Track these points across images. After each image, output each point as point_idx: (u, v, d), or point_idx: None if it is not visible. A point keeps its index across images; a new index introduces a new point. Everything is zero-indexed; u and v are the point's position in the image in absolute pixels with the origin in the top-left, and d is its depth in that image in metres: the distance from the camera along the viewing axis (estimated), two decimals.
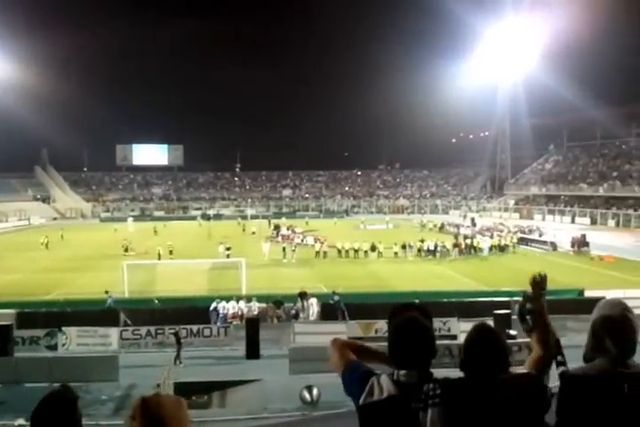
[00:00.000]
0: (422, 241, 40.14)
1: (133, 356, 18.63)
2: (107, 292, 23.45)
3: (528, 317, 2.51)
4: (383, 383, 2.31)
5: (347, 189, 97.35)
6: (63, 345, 19.42)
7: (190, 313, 21.43)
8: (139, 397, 1.93)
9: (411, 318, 2.40)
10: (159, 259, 35.93)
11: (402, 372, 2.31)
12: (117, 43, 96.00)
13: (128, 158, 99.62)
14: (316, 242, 41.39)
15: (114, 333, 19.74)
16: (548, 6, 67.25)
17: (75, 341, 19.52)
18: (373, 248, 39.34)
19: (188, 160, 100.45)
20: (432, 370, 2.33)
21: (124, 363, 16.60)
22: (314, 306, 22.06)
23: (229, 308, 21.82)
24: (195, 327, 19.94)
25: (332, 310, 21.99)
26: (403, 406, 2.23)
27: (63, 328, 19.56)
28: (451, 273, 33.10)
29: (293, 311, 21.98)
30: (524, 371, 2.38)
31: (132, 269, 27.23)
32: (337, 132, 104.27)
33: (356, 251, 39.21)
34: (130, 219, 65.63)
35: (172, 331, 18.70)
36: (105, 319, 20.56)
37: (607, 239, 45.87)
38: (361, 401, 2.31)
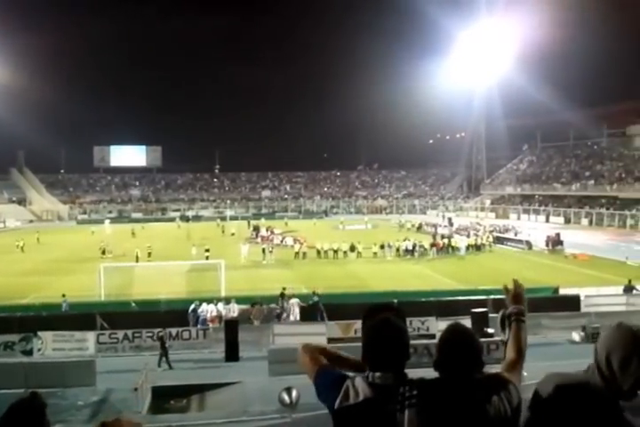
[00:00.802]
0: (407, 240, 40.60)
1: (111, 360, 18.44)
2: (63, 295, 23.26)
3: (507, 330, 2.54)
4: (358, 386, 2.29)
5: (326, 189, 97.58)
6: (39, 350, 19.07)
7: (169, 316, 21.21)
8: (99, 422, 1.91)
9: (385, 320, 2.38)
10: (137, 261, 35.66)
11: (377, 374, 2.30)
12: (94, 44, 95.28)
13: (106, 160, 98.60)
14: (295, 243, 41.42)
15: (90, 337, 19.39)
16: (522, 10, 68.14)
17: (50, 345, 19.18)
18: (352, 248, 39.47)
19: (167, 161, 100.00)
20: (412, 370, 2.32)
21: (102, 367, 16.43)
22: (294, 306, 22.03)
23: (209, 310, 21.68)
24: (173, 330, 19.73)
25: (311, 310, 21.98)
26: (379, 408, 2.21)
27: (39, 333, 19.21)
28: (429, 272, 33.35)
29: (278, 311, 21.97)
30: (498, 371, 2.39)
31: (109, 271, 26.96)
32: (316, 133, 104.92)
33: (336, 251, 39.31)
34: (107, 221, 64.98)
35: (160, 334, 18.49)
36: (82, 323, 20.21)
37: (581, 238, 46.77)
38: (336, 405, 2.29)
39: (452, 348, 2.32)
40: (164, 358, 17.86)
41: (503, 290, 2.72)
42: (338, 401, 2.29)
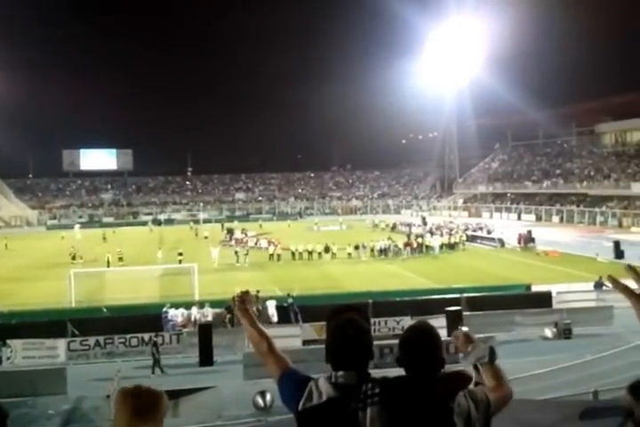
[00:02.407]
0: (390, 239, 40.85)
1: (82, 367, 18.28)
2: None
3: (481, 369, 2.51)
4: (322, 387, 2.30)
5: (300, 191, 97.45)
6: (8, 359, 18.78)
7: (141, 321, 20.94)
8: (119, 389, 2.01)
9: (348, 319, 2.40)
10: (108, 266, 35.19)
11: (340, 373, 2.30)
12: (62, 45, 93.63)
13: (75, 164, 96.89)
14: (269, 245, 41.22)
15: (61, 344, 19.17)
16: (491, 10, 69.13)
17: (20, 354, 18.89)
18: (327, 249, 39.45)
19: (138, 164, 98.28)
20: (388, 370, 2.42)
21: (73, 375, 16.28)
22: (269, 309, 21.93)
23: (178, 315, 21.48)
24: (146, 336, 19.51)
25: (286, 312, 21.92)
26: (342, 407, 2.22)
27: (8, 341, 18.93)
28: (403, 272, 33.50)
29: (256, 314, 21.80)
30: (460, 369, 2.42)
31: (79, 277, 26.56)
32: (289, 134, 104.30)
33: (310, 253, 39.23)
34: (77, 226, 63.80)
35: (153, 339, 18.37)
36: (52, 331, 19.91)
37: (552, 235, 47.45)
38: (300, 406, 2.29)
39: (411, 345, 2.36)
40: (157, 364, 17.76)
41: (453, 338, 2.67)
42: (301, 402, 2.30)
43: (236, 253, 38.50)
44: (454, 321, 18.48)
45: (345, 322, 2.40)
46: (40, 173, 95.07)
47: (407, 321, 19.77)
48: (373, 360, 2.41)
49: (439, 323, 17.96)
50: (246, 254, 38.24)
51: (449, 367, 2.41)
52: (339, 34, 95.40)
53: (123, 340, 19.35)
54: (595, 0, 65.10)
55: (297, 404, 2.32)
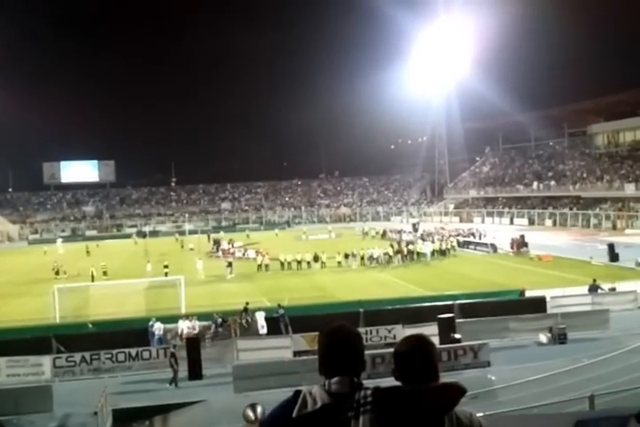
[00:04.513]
0: (386, 248, 40.48)
1: (68, 384, 18.07)
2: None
3: None
4: (316, 394, 2.29)
5: (287, 199, 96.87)
6: None
7: (128, 336, 20.63)
8: None
9: (340, 326, 2.45)
10: (93, 281, 34.63)
11: (333, 380, 2.30)
12: (41, 56, 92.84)
13: (56, 176, 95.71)
14: (257, 255, 40.78)
15: (46, 361, 18.89)
16: (479, 12, 68.69)
17: (4, 371, 18.62)
18: (316, 259, 39.09)
19: (121, 176, 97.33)
20: (382, 380, 2.33)
21: (59, 392, 16.08)
22: (259, 320, 21.64)
23: (161, 328, 21.11)
24: (133, 351, 19.23)
25: (276, 324, 21.64)
26: (336, 414, 2.22)
27: None
28: (394, 280, 33.28)
29: (245, 326, 21.61)
30: (454, 381, 2.38)
31: (63, 292, 26.07)
32: (275, 141, 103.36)
33: (299, 262, 38.87)
34: (59, 240, 62.86)
35: (171, 351, 18.13)
36: (37, 347, 19.56)
37: (545, 239, 47.24)
38: (295, 413, 2.27)
39: (407, 359, 2.35)
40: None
41: None
42: (296, 410, 2.28)
43: (230, 264, 37.83)
44: (447, 329, 18.33)
45: (336, 327, 2.45)
46: (20, 186, 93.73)
47: (399, 330, 19.58)
48: (366, 371, 2.41)
49: (432, 331, 17.82)
50: (229, 266, 37.34)
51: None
52: (325, 39, 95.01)
53: (109, 355, 19.08)
54: (583, 1, 65.38)
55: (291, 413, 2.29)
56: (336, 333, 2.42)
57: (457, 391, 2.27)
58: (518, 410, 10.51)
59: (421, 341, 2.41)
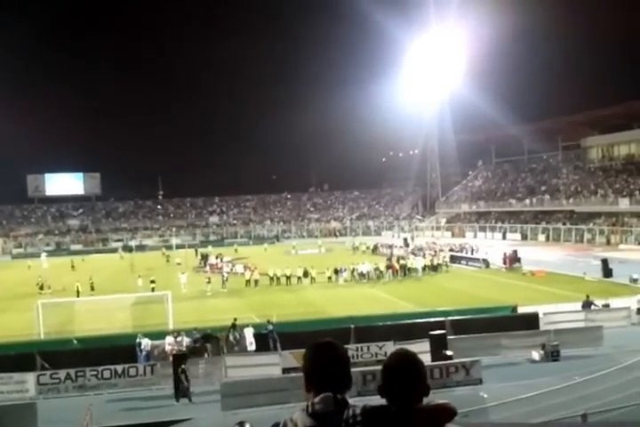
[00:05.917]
0: (377, 264, 40.33)
1: (53, 401, 17.80)
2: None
3: None
4: (297, 419, 2.25)
5: (276, 213, 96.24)
6: None
7: (114, 352, 20.27)
8: None
9: (326, 341, 2.43)
10: (78, 296, 34.19)
11: (316, 400, 2.25)
12: (25, 68, 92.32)
13: (40, 189, 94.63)
14: (246, 270, 40.37)
15: (30, 378, 18.56)
16: (471, 24, 68.85)
17: None
18: (306, 274, 38.80)
19: (107, 189, 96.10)
20: (372, 397, 2.31)
21: (43, 410, 15.66)
22: (247, 337, 21.39)
23: (149, 344, 20.79)
24: (119, 367, 18.92)
25: (264, 340, 21.38)
26: None
27: None
28: (385, 296, 33.09)
29: (233, 342, 21.34)
30: (444, 401, 2.34)
31: (47, 308, 25.60)
32: (263, 154, 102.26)
33: (289, 277, 38.51)
34: (43, 254, 62.11)
35: (182, 367, 17.60)
36: (20, 364, 19.23)
37: (538, 254, 46.87)
38: None
39: (394, 375, 2.31)
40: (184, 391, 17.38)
41: None
42: None
43: (226, 279, 37.61)
44: (438, 345, 18.18)
45: (321, 342, 2.43)
46: (3, 199, 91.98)
47: (390, 346, 19.37)
48: (357, 388, 2.33)
49: (423, 348, 17.66)
50: (208, 282, 37.04)
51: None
52: (315, 51, 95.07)
53: (95, 372, 18.74)
54: (578, 13, 65.30)
55: None
56: (320, 347, 2.40)
57: (448, 413, 2.26)
58: None
59: (409, 356, 2.39)
